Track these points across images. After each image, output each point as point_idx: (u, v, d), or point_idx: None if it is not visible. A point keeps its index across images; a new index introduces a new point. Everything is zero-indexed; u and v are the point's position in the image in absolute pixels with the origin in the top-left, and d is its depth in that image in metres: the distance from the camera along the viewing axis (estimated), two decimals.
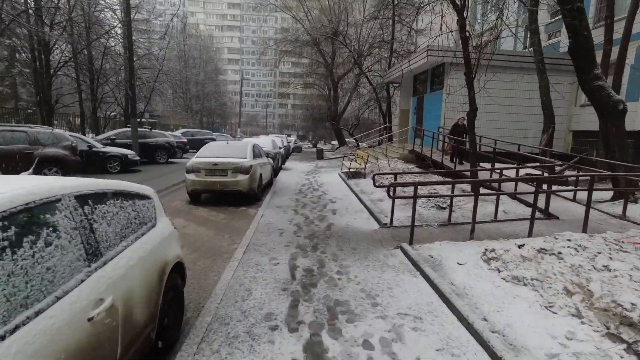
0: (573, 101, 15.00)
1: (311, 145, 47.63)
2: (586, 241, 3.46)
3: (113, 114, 28.20)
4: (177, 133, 23.95)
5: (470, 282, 3.53)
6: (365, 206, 7.68)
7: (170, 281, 2.92)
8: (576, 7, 6.18)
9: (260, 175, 9.47)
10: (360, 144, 25.17)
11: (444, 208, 7.00)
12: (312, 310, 3.38)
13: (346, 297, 3.64)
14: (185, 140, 21.11)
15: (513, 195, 7.61)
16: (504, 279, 3.38)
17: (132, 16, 18.87)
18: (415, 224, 5.70)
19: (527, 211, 6.97)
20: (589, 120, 14.39)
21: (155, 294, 2.61)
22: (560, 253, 3.29)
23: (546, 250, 3.41)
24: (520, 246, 3.74)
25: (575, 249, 3.31)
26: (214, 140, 26.90)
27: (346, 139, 30.66)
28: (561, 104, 14.65)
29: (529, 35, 16.13)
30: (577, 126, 14.92)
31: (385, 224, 6.18)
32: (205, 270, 4.55)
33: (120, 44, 25.21)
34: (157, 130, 18.34)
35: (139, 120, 26.21)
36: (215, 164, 8.48)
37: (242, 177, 8.51)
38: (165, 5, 66.78)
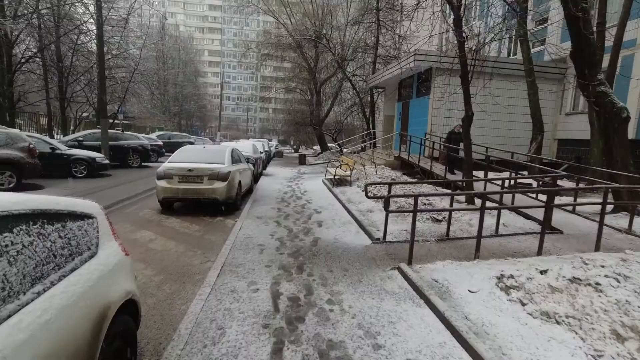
0: (558, 109, 14.94)
1: (293, 150, 46.96)
2: (623, 268, 2.95)
3: (85, 114, 26.79)
4: (153, 136, 22.82)
5: (489, 317, 2.95)
6: (354, 218, 7.07)
7: (115, 327, 2.20)
8: (580, 8, 5.82)
9: (240, 182, 8.74)
10: (343, 149, 24.69)
11: (440, 220, 6.47)
12: (300, 357, 2.71)
13: (341, 337, 2.99)
14: (161, 143, 20.07)
15: (514, 208, 7.17)
16: (530, 314, 2.83)
17: (105, 11, 17.88)
18: (409, 239, 5.16)
19: (527, 224, 6.54)
20: (575, 128, 14.36)
21: (88, 351, 1.88)
22: (598, 284, 2.77)
23: (580, 280, 2.88)
24: (542, 272, 3.20)
25: (616, 279, 2.80)
26: (191, 143, 25.90)
27: (329, 144, 30.15)
28: (546, 112, 14.57)
29: (512, 43, 16.07)
30: (562, 134, 14.85)
31: (378, 239, 5.58)
32: (171, 298, 3.81)
33: (93, 41, 23.99)
34: (129, 132, 17.28)
35: (112, 121, 25.04)
36: (190, 170, 7.71)
37: (219, 185, 7.77)
38: (145, 6, 65.16)
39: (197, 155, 8.50)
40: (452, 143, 10.51)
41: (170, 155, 8.69)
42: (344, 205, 8.24)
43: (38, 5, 18.60)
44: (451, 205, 5.88)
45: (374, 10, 21.88)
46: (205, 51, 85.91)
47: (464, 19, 8.70)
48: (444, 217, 6.38)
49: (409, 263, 4.42)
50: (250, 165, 11.05)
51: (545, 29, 15.35)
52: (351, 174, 10.69)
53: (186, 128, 53.58)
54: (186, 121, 55.68)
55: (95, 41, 24.69)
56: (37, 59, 21.01)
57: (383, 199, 5.84)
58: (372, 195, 7.04)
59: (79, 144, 14.70)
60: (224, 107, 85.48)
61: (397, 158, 14.31)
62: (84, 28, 22.72)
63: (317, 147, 36.15)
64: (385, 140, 19.24)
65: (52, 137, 18.66)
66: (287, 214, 7.67)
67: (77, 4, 21.74)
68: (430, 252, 5.08)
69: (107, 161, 13.38)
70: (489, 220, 6.29)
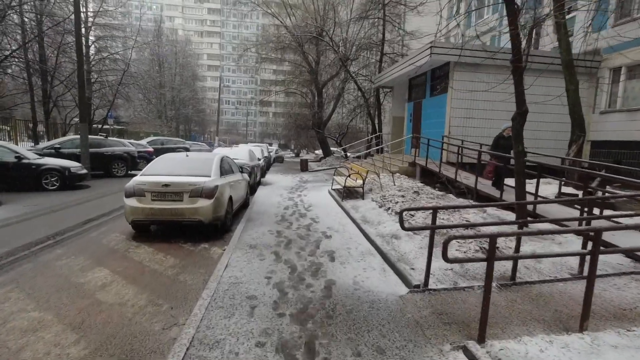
0: (591, 107, 13.35)
1: (294, 155, 45.42)
2: None
3: (76, 119, 25.32)
4: (143, 141, 21.29)
5: None
6: (376, 247, 5.46)
7: None
8: None
9: (230, 198, 7.17)
10: (348, 154, 23.14)
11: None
12: None
13: None
14: (151, 149, 18.50)
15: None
16: None
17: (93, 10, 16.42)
18: (461, 284, 3.60)
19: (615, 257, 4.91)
20: (611, 129, 12.77)
21: None
22: None
23: None
24: None
25: None
26: (186, 149, 24.36)
27: (332, 149, 28.59)
28: None
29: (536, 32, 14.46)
30: (595, 135, 13.25)
31: (418, 285, 3.97)
32: None
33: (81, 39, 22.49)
34: (113, 139, 15.74)
35: (100, 127, 23.57)
36: (166, 185, 6.13)
37: (203, 203, 6.19)
38: (141, 9, 63.94)
39: (177, 166, 6.92)
40: (500, 150, 8.27)
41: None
42: (359, 227, 6.63)
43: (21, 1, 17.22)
44: (518, 242, 4.23)
45: (380, 5, 20.40)
46: (204, 55, 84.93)
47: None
48: (499, 248, 4.77)
49: (480, 339, 2.82)
50: (245, 176, 9.48)
51: (571, 19, 13.80)
52: (364, 184, 9.09)
53: (184, 133, 52.18)
54: (184, 126, 54.29)
55: (83, 40, 23.41)
56: (18, 60, 19.62)
57: (427, 230, 4.24)
58: (409, 224, 5.40)
59: (56, 152, 13.19)
60: (224, 112, 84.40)
61: (412, 164, 12.72)
62: (69, 27, 21.34)
63: (319, 152, 34.58)
64: (395, 145, 17.66)
65: (37, 143, 17.19)
66: (289, 240, 6.07)
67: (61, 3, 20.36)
68: (499, 309, 3.48)
69: (84, 171, 11.83)
70: (554, 248, 4.68)
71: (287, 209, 8.75)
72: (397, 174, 11.27)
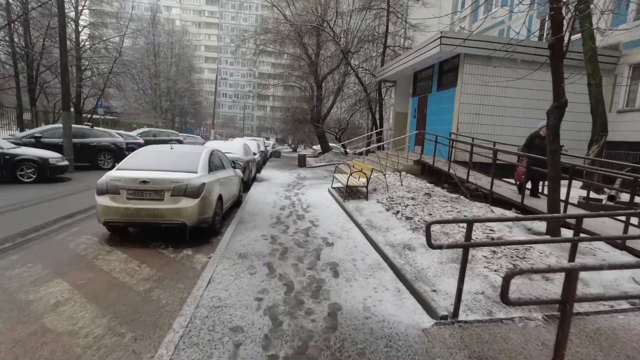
0: (608, 106, 12.59)
1: (291, 150, 44.56)
2: None
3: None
4: (134, 133, 20.37)
5: None
6: (386, 259, 4.67)
7: None
8: None
9: (220, 197, 6.36)
10: (347, 150, 22.34)
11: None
12: None
13: None
14: (142, 141, 17.54)
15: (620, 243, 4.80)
16: None
17: None
18: (497, 313, 2.86)
19: None
20: (630, 129, 12.05)
21: None
22: None
23: None
24: None
25: None
26: (180, 142, 23.46)
27: (330, 144, 27.76)
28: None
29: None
30: (612, 136, 12.50)
31: (445, 316, 3.18)
32: None
33: (71, 23, 21.44)
34: (100, 129, 14.82)
35: (89, 116, 22.60)
36: (144, 182, 5.31)
37: (187, 203, 5.38)
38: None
39: (159, 160, 6.09)
40: (534, 152, 7.07)
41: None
42: (365, 234, 5.84)
43: None
44: (572, 258, 3.45)
45: None
46: (202, 46, 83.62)
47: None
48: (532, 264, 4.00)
49: None
50: (239, 172, 8.66)
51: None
52: (368, 183, 8.28)
53: (180, 125, 51.07)
54: (180, 118, 53.14)
55: (73, 25, 22.34)
56: (4, 43, 18.65)
57: (459, 248, 3.47)
58: (438, 242, 4.59)
59: (37, 141, 12.29)
60: (221, 105, 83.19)
61: (417, 162, 11.94)
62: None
63: (316, 147, 33.72)
64: (397, 142, 16.85)
65: (22, 131, 16.25)
66: (285, 248, 5.27)
67: None
68: (546, 349, 2.71)
69: (65, 162, 10.95)
70: (608, 274, 3.93)
71: (283, 209, 7.94)
72: (404, 173, 10.49)
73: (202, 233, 5.89)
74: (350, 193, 8.73)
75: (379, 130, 20.64)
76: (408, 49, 20.04)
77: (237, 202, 8.53)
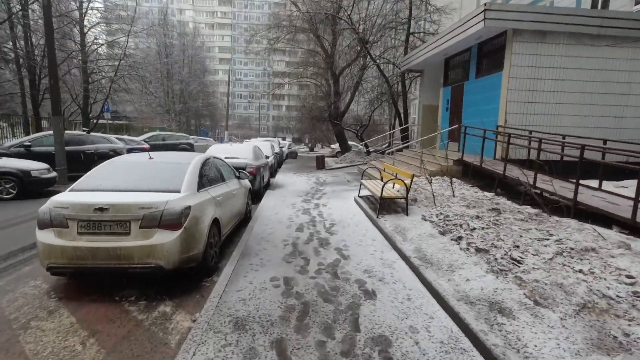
0: None
1: (308, 150, 42.94)
2: None
3: (76, 114, 23.38)
4: (141, 137, 19.11)
5: None
6: (469, 333, 2.88)
7: None
8: None
9: (216, 221, 4.71)
10: (369, 149, 20.52)
11: None
12: None
13: None
14: (147, 146, 16.29)
15: None
16: None
17: None
18: None
19: None
20: None
21: None
22: None
23: None
24: None
25: None
26: (190, 146, 22.09)
27: (350, 143, 25.94)
28: None
29: None
30: None
31: None
32: None
33: (74, 24, 20.36)
34: (98, 134, 13.50)
35: (95, 122, 21.49)
36: (102, 208, 3.71)
37: (164, 237, 3.77)
38: (151, 2, 62.01)
39: (131, 175, 4.49)
40: None
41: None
42: (419, 275, 4.03)
43: None
44: None
45: None
46: (215, 48, 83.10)
47: None
48: None
49: None
50: (245, 182, 7.02)
51: None
52: (408, 194, 6.48)
53: (195, 128, 50.22)
54: (195, 121, 52.31)
55: (78, 27, 21.30)
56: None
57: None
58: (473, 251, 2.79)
59: (27, 150, 11.03)
60: (236, 106, 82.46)
61: (457, 162, 10.05)
62: (62, 10, 19.20)
63: (334, 146, 31.93)
64: (428, 139, 14.88)
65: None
66: (305, 305, 3.55)
67: None
68: None
69: (52, 174, 9.62)
70: None
71: (301, 229, 6.25)
72: (445, 177, 8.64)
73: (190, 275, 4.26)
74: (383, 205, 6.94)
75: (404, 126, 18.73)
76: (434, 34, 18.04)
77: (245, 219, 6.91)
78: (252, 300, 3.62)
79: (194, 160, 4.93)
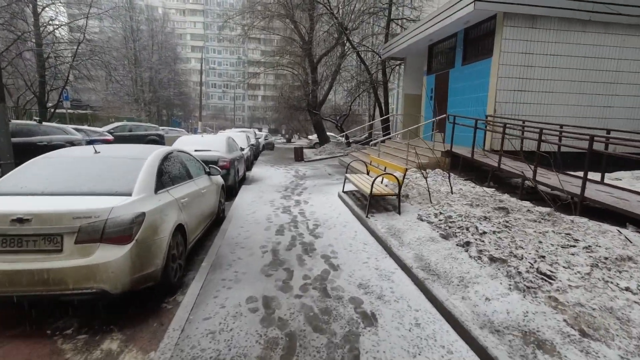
0: None
1: (285, 140, 41.96)
2: None
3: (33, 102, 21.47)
4: (105, 128, 17.67)
5: None
6: None
7: None
8: None
9: (181, 228, 3.90)
10: (350, 140, 19.88)
11: None
12: None
13: None
14: (111, 137, 14.99)
15: None
16: None
17: None
18: None
19: None
20: None
21: None
22: None
23: None
24: None
25: None
26: (160, 137, 20.77)
27: (328, 134, 25.20)
28: None
29: None
30: None
31: None
32: None
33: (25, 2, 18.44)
34: (51, 124, 12.17)
35: (52, 110, 19.84)
36: (23, 219, 2.83)
37: (108, 255, 2.94)
38: None
39: (68, 174, 3.60)
40: None
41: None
42: (425, 291, 3.40)
43: None
44: None
45: None
46: (187, 35, 79.95)
47: None
48: None
49: None
50: (218, 179, 6.17)
51: None
52: (400, 191, 5.82)
53: (167, 118, 48.07)
54: (167, 111, 50.10)
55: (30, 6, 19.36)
56: None
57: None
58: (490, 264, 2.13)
59: None
60: (210, 96, 79.94)
61: (446, 154, 9.52)
62: None
63: (312, 137, 31.12)
64: (408, 130, 14.30)
65: None
66: (290, 335, 2.83)
67: None
68: None
69: None
70: None
71: (281, 232, 5.50)
72: (438, 170, 8.07)
73: (148, 295, 3.46)
74: (372, 203, 6.27)
75: (384, 117, 18.16)
76: (415, 21, 17.45)
77: (217, 220, 6.10)
78: (224, 332, 2.86)
79: (152, 155, 4.06)
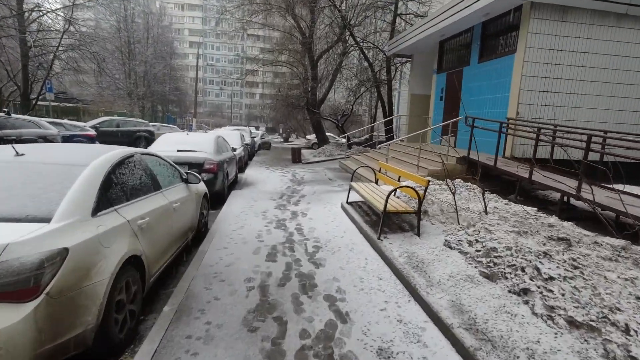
0: None
1: (282, 140, 40.84)
2: None
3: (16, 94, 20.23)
4: (90, 123, 16.51)
5: None
6: None
7: None
8: None
9: (134, 262, 2.81)
10: (351, 142, 18.84)
11: None
12: None
13: None
14: (93, 133, 13.86)
15: None
16: None
17: None
18: None
19: None
20: None
21: None
22: None
23: None
24: None
25: None
26: (150, 134, 19.63)
27: (327, 134, 24.12)
28: None
29: None
30: None
31: None
32: None
33: None
34: (22, 117, 11.01)
35: (34, 103, 18.66)
36: None
37: (3, 319, 1.85)
38: None
39: None
40: None
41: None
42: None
43: None
44: None
45: None
46: (185, 30, 78.66)
47: None
48: None
49: None
50: (199, 187, 5.09)
51: None
52: (420, 208, 4.75)
53: (162, 114, 46.75)
54: (162, 106, 48.79)
55: None
56: None
57: None
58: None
59: None
60: (207, 92, 78.60)
61: (460, 160, 8.48)
62: None
63: (311, 137, 30.02)
64: (412, 131, 13.25)
65: None
66: None
67: None
68: None
69: None
70: None
71: (273, 257, 4.42)
72: (459, 181, 7.03)
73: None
74: (385, 221, 5.19)
75: (389, 118, 17.12)
76: (424, 16, 16.42)
77: (200, 234, 5.03)
78: None
79: (97, 160, 2.97)
